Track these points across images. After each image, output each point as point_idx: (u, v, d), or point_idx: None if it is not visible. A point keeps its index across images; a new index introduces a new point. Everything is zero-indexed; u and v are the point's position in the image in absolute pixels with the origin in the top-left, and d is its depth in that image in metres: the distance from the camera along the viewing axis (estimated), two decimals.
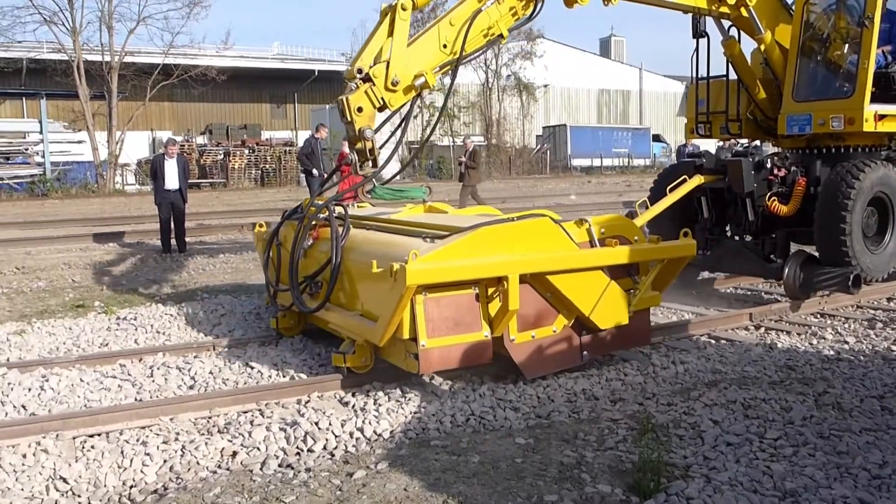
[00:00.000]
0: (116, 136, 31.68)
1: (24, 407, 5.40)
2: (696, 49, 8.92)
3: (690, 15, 8.54)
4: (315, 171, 16.22)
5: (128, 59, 32.13)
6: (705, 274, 9.40)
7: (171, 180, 12.43)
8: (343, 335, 5.83)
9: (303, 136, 29.30)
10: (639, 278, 5.93)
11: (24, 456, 4.39)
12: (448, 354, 5.08)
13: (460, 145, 17.66)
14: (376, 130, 6.18)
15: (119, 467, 4.29)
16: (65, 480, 4.13)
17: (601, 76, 51.46)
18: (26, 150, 31.69)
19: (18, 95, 33.83)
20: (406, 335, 5.01)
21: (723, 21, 8.54)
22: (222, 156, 34.73)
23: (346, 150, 17.49)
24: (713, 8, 8.10)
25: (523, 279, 5.22)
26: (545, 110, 48.30)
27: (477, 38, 6.40)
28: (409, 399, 5.17)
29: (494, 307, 5.21)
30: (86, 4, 31.38)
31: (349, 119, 5.95)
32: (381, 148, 6.41)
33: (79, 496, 4.03)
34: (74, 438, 4.72)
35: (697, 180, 8.45)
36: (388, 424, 4.77)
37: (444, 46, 6.24)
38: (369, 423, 4.77)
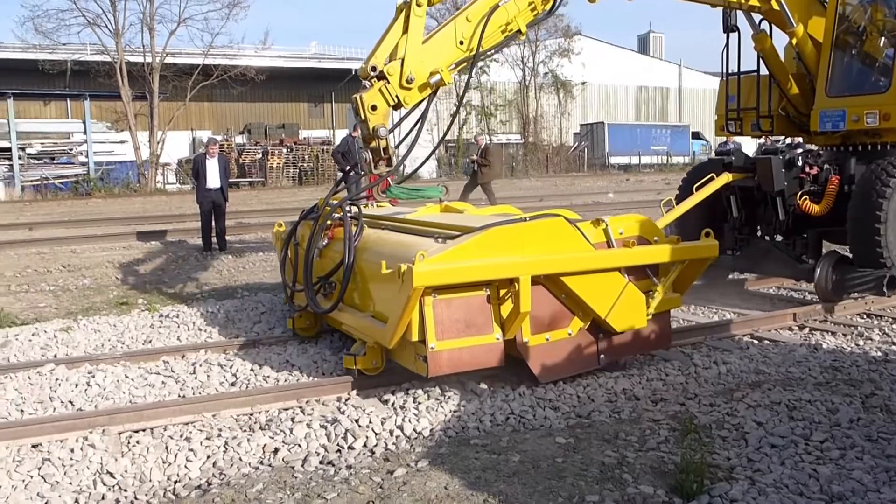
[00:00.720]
0: (158, 135, 32.21)
1: (71, 402, 5.52)
2: (727, 44, 8.72)
3: (721, 9, 8.33)
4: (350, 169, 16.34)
5: (168, 60, 32.63)
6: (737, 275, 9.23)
7: (213, 179, 12.59)
8: (355, 336, 5.81)
9: (340, 134, 29.50)
10: (658, 280, 5.76)
11: (72, 450, 4.48)
12: (458, 357, 4.98)
13: (473, 143, 17.54)
14: (392, 130, 6.12)
15: (164, 462, 4.36)
16: (111, 475, 4.21)
17: (640, 73, 50.92)
18: (71, 150, 32.39)
19: (63, 97, 34.50)
20: (415, 337, 4.92)
21: (753, 14, 8.34)
22: (261, 155, 35.10)
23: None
24: (742, 1, 7.92)
25: (537, 280, 5.13)
26: (583, 108, 47.96)
27: (495, 34, 6.26)
28: (449, 398, 5.17)
29: (506, 309, 5.11)
30: (128, 6, 32.09)
31: (363, 117, 5.86)
32: (408, 146, 6.33)
33: (125, 490, 4.10)
34: (120, 434, 4.81)
35: (725, 178, 8.27)
36: (428, 423, 4.78)
37: (461, 43, 6.12)
38: (409, 421, 4.78)
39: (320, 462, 4.33)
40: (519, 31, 6.40)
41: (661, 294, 5.70)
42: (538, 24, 6.81)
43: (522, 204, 20.83)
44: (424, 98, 6.12)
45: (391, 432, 4.69)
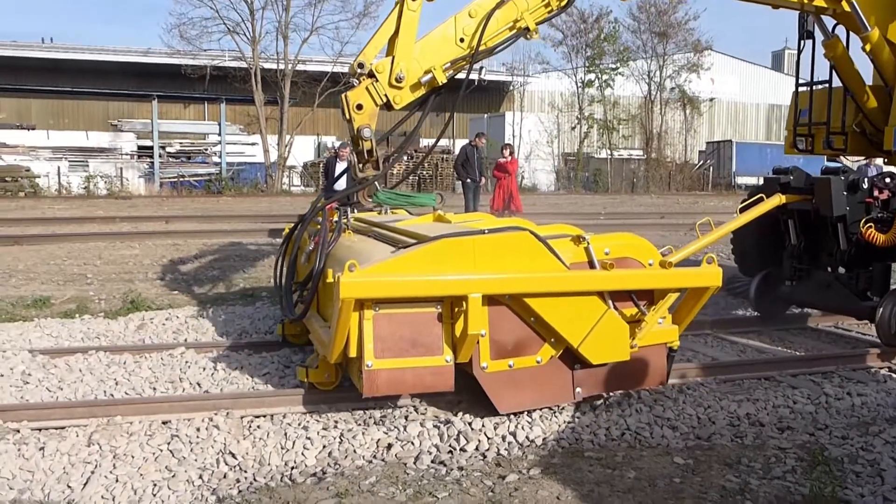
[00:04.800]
0: (286, 139, 33.49)
1: (199, 384, 5.79)
2: (798, 51, 7.87)
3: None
4: (469, 180, 16.47)
5: (300, 67, 33.90)
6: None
7: (340, 181, 12.97)
8: (315, 347, 5.54)
9: (460, 143, 29.76)
10: (648, 309, 5.05)
11: (198, 429, 4.68)
12: (399, 378, 4.50)
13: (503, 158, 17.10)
14: (414, 131, 5.80)
15: (282, 448, 4.50)
16: (233, 455, 4.38)
17: (772, 91, 48.82)
18: (206, 150, 34.28)
19: (201, 100, 36.49)
20: (353, 353, 4.51)
21: (825, 18, 7.39)
22: (382, 161, 35.88)
23: (503, 159, 17.59)
24: (805, 1, 6.93)
25: (499, 301, 4.65)
26: (709, 125, 46.44)
27: (501, 32, 5.73)
28: (563, 408, 5.08)
29: (460, 329, 4.53)
30: (265, 15, 33.40)
31: (348, 117, 5.47)
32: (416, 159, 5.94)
33: (245, 471, 4.26)
34: (242, 418, 5.00)
35: (776, 200, 7.35)
36: (541, 431, 4.71)
37: (461, 41, 5.61)
38: (522, 428, 4.73)
39: (432, 461, 4.35)
40: (527, 29, 5.77)
41: (649, 325, 4.99)
42: (549, 21, 6.08)
43: (641, 220, 20.37)
44: (417, 99, 5.67)
45: (503, 438, 4.66)
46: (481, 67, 35.34)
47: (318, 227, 5.87)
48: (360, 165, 5.69)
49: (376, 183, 6.00)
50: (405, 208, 7.00)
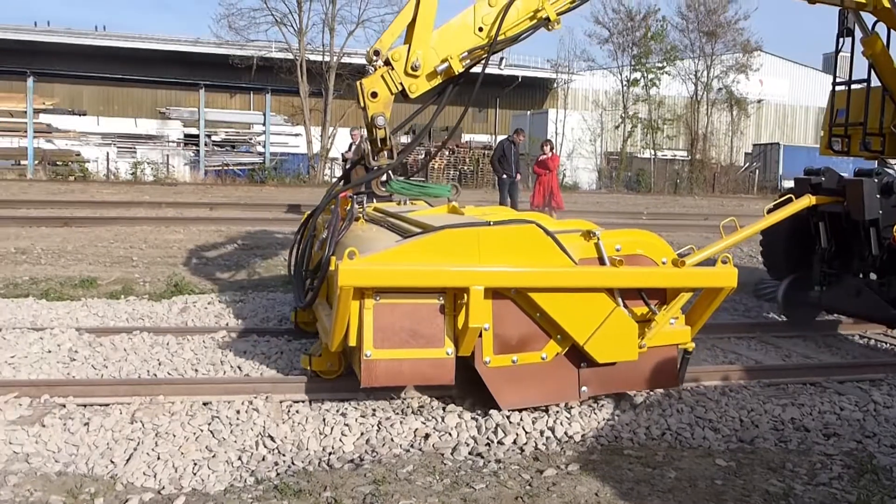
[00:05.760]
0: (329, 131, 33.70)
1: (239, 368, 5.85)
2: (836, 50, 7.54)
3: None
4: (504, 175, 16.38)
5: (345, 59, 34.06)
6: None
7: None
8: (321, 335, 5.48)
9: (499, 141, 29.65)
10: (659, 309, 4.90)
11: (238, 412, 4.73)
12: (398, 369, 4.43)
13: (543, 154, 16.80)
14: (403, 123, 5.68)
15: (320, 434, 4.52)
16: (272, 438, 4.42)
17: (822, 93, 47.64)
18: (250, 140, 34.65)
19: (247, 90, 36.85)
20: (352, 342, 4.47)
21: (864, 15, 7.16)
22: (423, 156, 35.95)
23: (543, 155, 17.45)
24: None
25: (504, 294, 4.57)
26: (756, 127, 45.59)
27: (522, 22, 5.60)
28: (602, 406, 5.02)
29: (462, 322, 4.47)
30: (312, 7, 33.55)
31: (362, 105, 5.41)
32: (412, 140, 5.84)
33: (283, 455, 4.28)
34: (281, 402, 5.03)
35: (805, 202, 7.05)
36: (580, 428, 4.67)
37: (480, 30, 5.49)
38: (560, 423, 4.69)
39: (469, 452, 4.33)
40: (548, 20, 5.62)
41: (660, 325, 4.85)
42: (572, 11, 5.91)
43: (684, 221, 20.06)
44: (434, 88, 5.57)
45: (541, 433, 4.62)
46: (501, 58, 35.13)
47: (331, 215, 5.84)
48: (375, 154, 5.64)
49: (390, 172, 5.94)
50: (422, 199, 6.96)
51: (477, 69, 5.71)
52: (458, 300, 4.47)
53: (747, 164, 41.76)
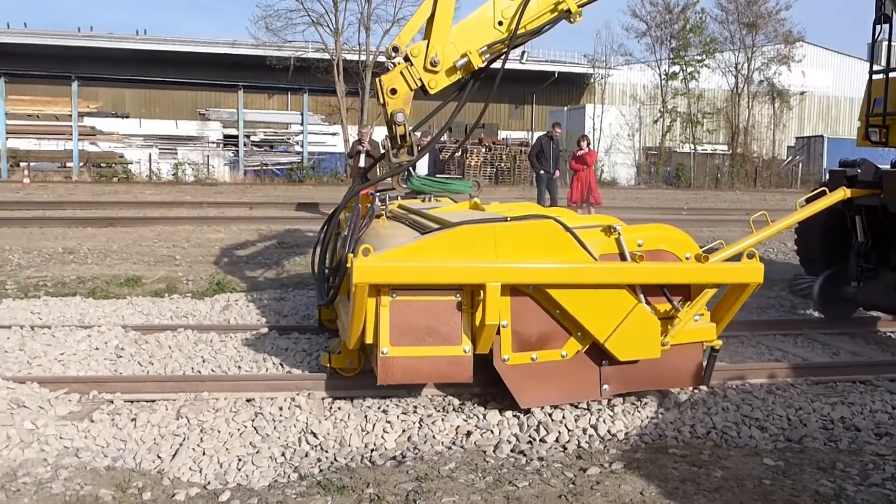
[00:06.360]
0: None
1: (282, 364, 5.90)
2: (873, 37, 7.29)
3: None
4: (542, 171, 16.29)
5: (381, 58, 34.18)
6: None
7: (421, 169, 13.01)
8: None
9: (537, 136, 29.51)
10: (683, 305, 4.78)
11: (281, 408, 4.77)
12: (415, 367, 4.39)
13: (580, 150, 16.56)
14: (424, 120, 5.64)
15: (362, 430, 4.54)
16: (315, 435, 4.44)
17: None
18: (288, 139, 34.97)
19: (285, 90, 37.21)
20: (369, 339, 4.42)
21: None
22: (460, 152, 35.91)
23: (580, 151, 17.28)
24: None
25: (522, 291, 4.49)
26: (799, 119, 44.74)
27: (543, 15, 5.49)
28: (646, 404, 4.96)
29: (479, 319, 4.39)
30: (348, 7, 33.62)
31: (382, 101, 5.36)
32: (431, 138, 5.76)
33: (326, 451, 4.31)
34: (323, 399, 5.07)
35: (840, 195, 6.80)
36: (623, 426, 4.61)
37: (500, 24, 5.40)
38: (604, 421, 4.64)
39: (511, 450, 4.32)
40: (569, 12, 5.50)
41: (683, 322, 4.73)
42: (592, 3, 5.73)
43: (726, 216, 19.77)
44: (454, 84, 5.49)
45: (584, 431, 4.57)
46: (522, 53, 34.81)
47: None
48: (395, 151, 5.59)
49: (410, 168, 5.88)
50: (445, 195, 6.89)
51: (497, 64, 5.65)
52: (475, 297, 4.42)
53: (790, 158, 40.97)
